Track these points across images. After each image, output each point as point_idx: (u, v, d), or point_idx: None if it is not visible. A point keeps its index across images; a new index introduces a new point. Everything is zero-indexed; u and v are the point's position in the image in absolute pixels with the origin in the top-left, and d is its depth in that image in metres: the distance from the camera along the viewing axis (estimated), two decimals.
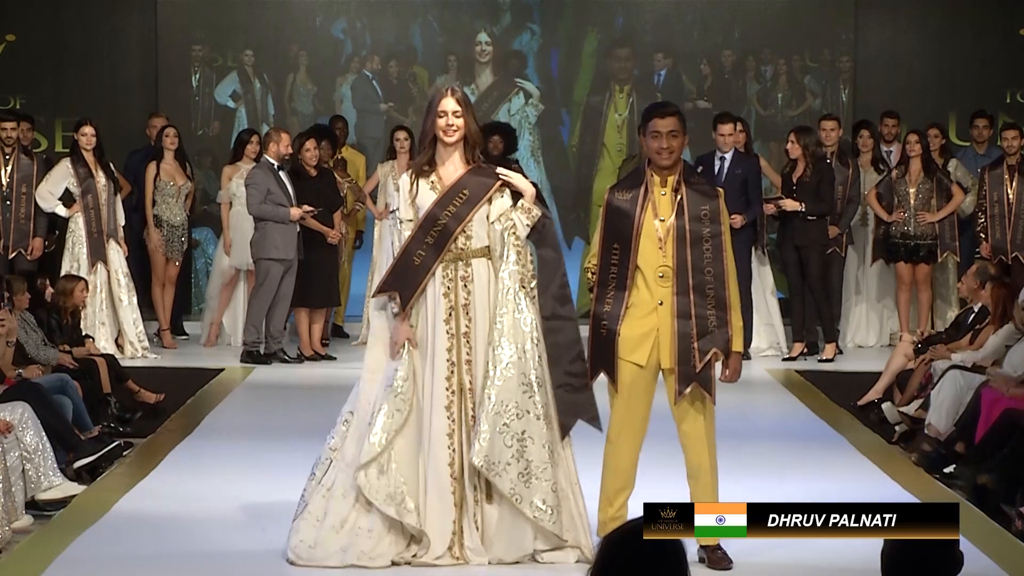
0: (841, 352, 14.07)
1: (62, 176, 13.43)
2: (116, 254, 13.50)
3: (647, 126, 6.94)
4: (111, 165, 13.72)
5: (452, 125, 6.90)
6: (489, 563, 6.85)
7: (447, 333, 6.88)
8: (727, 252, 6.86)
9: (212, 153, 16.78)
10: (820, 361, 13.48)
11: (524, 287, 6.88)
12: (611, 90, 16.90)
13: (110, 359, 10.64)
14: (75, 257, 13.35)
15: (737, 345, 6.89)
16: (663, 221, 6.85)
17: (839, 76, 16.85)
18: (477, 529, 6.88)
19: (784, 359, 13.50)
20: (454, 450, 6.88)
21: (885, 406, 10.40)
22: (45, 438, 8.23)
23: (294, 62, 16.82)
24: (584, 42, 16.97)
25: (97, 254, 13.35)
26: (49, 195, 13.40)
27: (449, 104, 6.89)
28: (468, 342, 6.89)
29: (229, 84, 16.85)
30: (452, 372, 6.88)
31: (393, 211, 7.00)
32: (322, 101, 16.87)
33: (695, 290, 6.83)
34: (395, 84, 16.87)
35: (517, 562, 6.92)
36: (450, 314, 6.89)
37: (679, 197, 6.87)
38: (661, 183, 6.91)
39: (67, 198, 13.44)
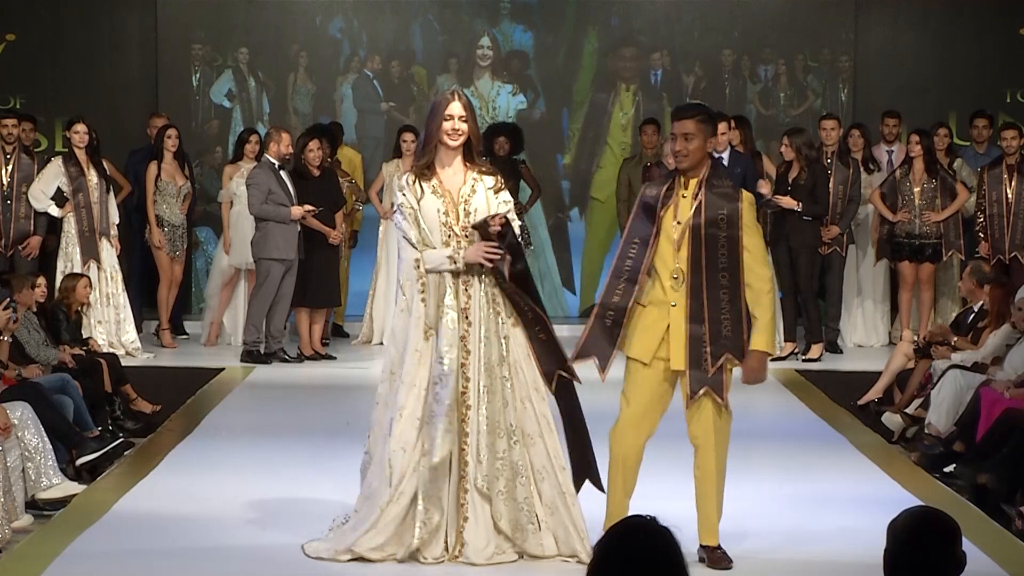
0: (841, 352, 14.08)
1: (53, 175, 13.41)
2: (108, 253, 13.48)
3: (672, 128, 6.99)
4: (104, 164, 13.70)
5: (458, 129, 6.95)
6: (484, 563, 6.88)
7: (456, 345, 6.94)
8: (752, 256, 6.77)
9: (212, 152, 16.78)
10: (804, 360, 13.48)
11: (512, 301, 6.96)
12: (616, 89, 16.90)
13: (112, 359, 10.62)
14: (69, 257, 13.33)
15: (756, 342, 6.77)
16: (679, 223, 6.84)
17: (839, 75, 16.85)
18: (467, 529, 6.91)
19: (772, 359, 13.42)
20: (451, 453, 6.91)
21: (885, 416, 10.35)
22: (45, 438, 8.23)
23: (294, 62, 16.83)
24: (585, 41, 16.97)
25: (89, 252, 13.32)
26: (41, 194, 13.38)
27: (456, 108, 6.94)
28: (466, 346, 6.92)
29: (224, 83, 16.85)
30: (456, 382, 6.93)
31: (397, 206, 7.01)
32: (323, 100, 16.87)
33: (709, 294, 6.79)
34: (396, 84, 16.87)
35: (514, 560, 6.94)
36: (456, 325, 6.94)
37: (698, 201, 6.84)
38: (684, 185, 6.91)
39: (60, 198, 13.41)
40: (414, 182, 6.97)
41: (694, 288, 6.79)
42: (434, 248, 6.91)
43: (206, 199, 16.12)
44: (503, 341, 6.91)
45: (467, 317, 6.92)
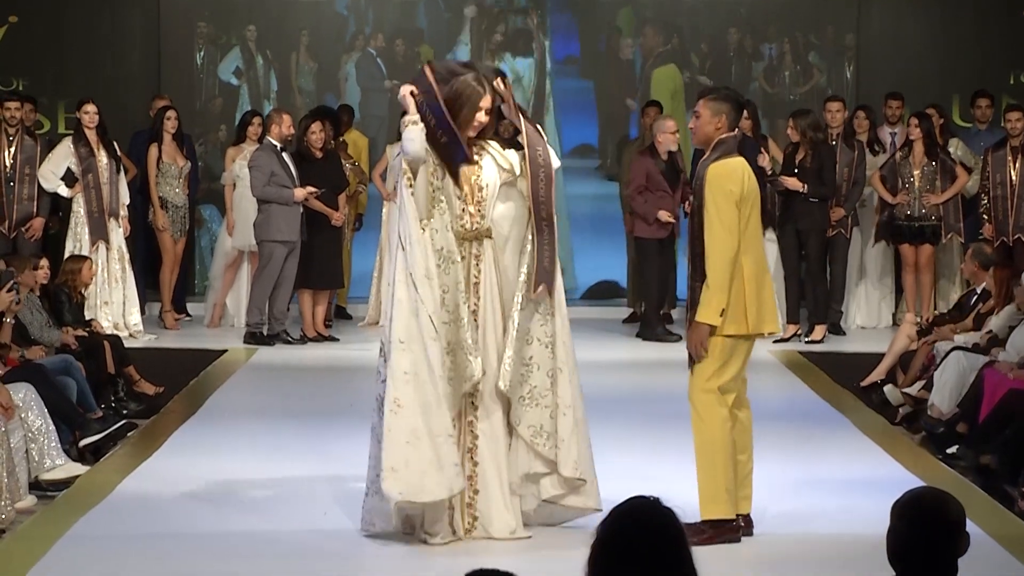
0: (844, 333, 14.07)
1: (64, 156, 13.42)
2: (116, 234, 13.47)
3: None
4: (115, 144, 13.69)
5: (482, 123, 7.01)
6: (506, 537, 6.91)
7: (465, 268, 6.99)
8: (709, 226, 6.89)
9: (216, 130, 16.73)
10: (808, 342, 13.46)
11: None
12: (631, 69, 16.90)
13: (115, 340, 10.63)
14: (77, 237, 13.33)
15: (701, 315, 6.91)
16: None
17: (844, 54, 16.80)
18: (478, 501, 6.95)
19: (776, 341, 13.40)
20: (461, 431, 6.91)
21: (887, 388, 10.39)
22: (49, 419, 8.25)
23: (298, 40, 16.78)
24: (592, 20, 16.91)
25: (98, 233, 13.32)
26: (51, 175, 13.39)
27: (487, 102, 6.99)
28: (475, 320, 6.94)
29: (231, 61, 16.81)
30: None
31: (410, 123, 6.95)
32: (327, 79, 16.84)
33: (693, 262, 7.02)
34: (400, 62, 16.83)
35: (528, 537, 6.96)
36: (465, 291, 6.95)
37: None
38: None
39: (70, 178, 13.43)
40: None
41: (690, 253, 7.08)
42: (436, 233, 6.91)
43: (210, 177, 16.08)
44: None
45: (477, 292, 6.98)
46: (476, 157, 7.05)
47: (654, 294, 13.89)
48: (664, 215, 13.54)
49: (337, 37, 16.89)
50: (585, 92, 17.02)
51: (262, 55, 16.78)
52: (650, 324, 13.86)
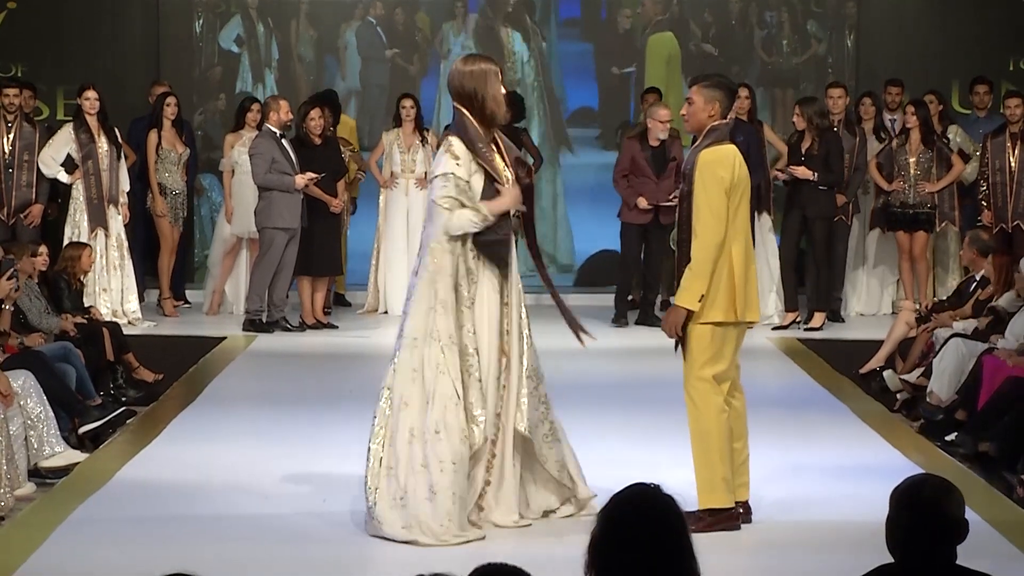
0: (843, 321, 14.06)
1: (64, 142, 13.40)
2: (115, 221, 13.46)
3: None
4: (116, 130, 13.67)
5: (505, 91, 7.07)
6: (511, 525, 6.93)
7: (498, 303, 6.98)
8: (697, 212, 6.89)
9: (215, 98, 16.63)
10: (806, 329, 13.44)
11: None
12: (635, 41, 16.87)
13: (114, 327, 10.62)
14: (76, 224, 13.32)
15: (679, 298, 6.93)
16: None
17: (844, 23, 16.70)
18: (488, 493, 6.97)
19: (774, 328, 13.40)
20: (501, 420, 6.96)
21: (886, 374, 10.40)
22: (48, 406, 8.25)
23: (298, 7, 16.70)
24: None
25: (97, 220, 13.31)
26: (52, 161, 13.37)
27: (499, 72, 7.00)
28: (507, 310, 6.97)
29: (233, 28, 16.72)
30: (500, 340, 6.97)
31: (445, 174, 6.86)
32: (327, 48, 16.77)
33: (680, 248, 7.03)
34: (400, 31, 16.76)
35: (528, 525, 6.99)
36: (500, 283, 6.98)
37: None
38: None
39: (70, 165, 13.41)
40: (471, 159, 6.91)
41: (680, 241, 7.07)
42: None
43: (210, 147, 16.03)
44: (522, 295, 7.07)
45: (508, 281, 6.95)
46: (497, 148, 7.03)
47: (627, 278, 13.92)
48: (641, 202, 13.56)
49: (337, 5, 16.80)
50: (586, 55, 16.93)
51: (263, 23, 16.71)
52: (617, 308, 13.85)
